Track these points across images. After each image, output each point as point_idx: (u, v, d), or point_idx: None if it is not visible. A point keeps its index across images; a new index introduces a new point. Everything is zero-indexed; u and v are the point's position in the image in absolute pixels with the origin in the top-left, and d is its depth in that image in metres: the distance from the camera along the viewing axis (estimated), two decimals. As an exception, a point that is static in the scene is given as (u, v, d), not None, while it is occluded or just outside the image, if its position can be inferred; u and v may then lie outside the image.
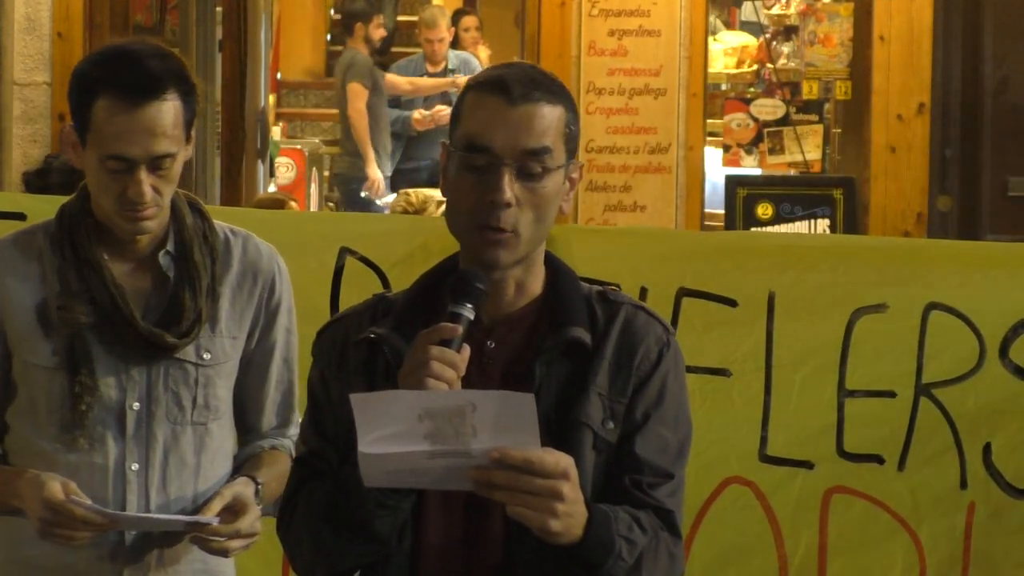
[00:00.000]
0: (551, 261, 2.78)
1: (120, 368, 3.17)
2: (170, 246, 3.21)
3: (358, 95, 10.92)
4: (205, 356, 3.21)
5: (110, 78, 3.09)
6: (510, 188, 2.62)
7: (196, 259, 3.21)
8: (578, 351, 2.70)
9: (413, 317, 2.68)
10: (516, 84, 2.64)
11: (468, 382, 2.61)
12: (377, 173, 10.90)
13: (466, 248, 2.70)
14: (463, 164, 2.66)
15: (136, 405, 3.17)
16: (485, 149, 2.63)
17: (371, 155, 10.94)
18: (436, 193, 6.91)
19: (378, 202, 10.70)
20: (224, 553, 3.14)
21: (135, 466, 3.16)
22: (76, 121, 3.15)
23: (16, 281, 3.20)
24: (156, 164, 3.09)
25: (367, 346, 2.73)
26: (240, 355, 3.28)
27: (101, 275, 3.17)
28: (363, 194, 10.91)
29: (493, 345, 2.70)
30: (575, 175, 2.74)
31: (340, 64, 11.41)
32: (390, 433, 2.44)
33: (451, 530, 2.69)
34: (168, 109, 3.08)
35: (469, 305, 2.60)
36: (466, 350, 2.57)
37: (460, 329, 2.57)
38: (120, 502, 3.14)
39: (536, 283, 2.74)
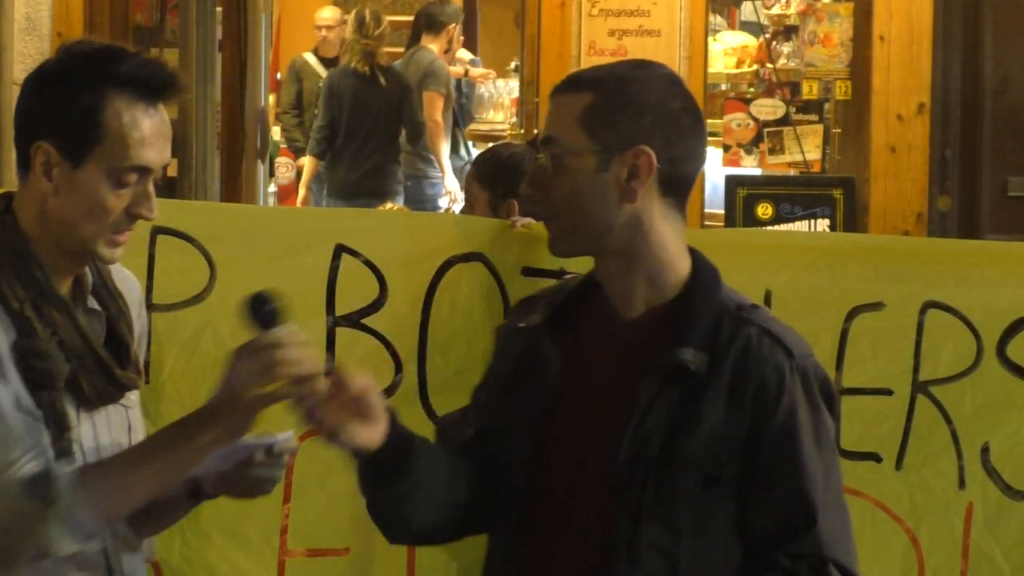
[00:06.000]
0: (696, 262, 2.82)
1: (73, 419, 2.68)
2: (92, 274, 2.79)
3: (437, 105, 10.27)
4: (131, 396, 2.82)
5: (127, 75, 2.63)
6: None
7: (114, 286, 2.81)
8: (688, 374, 2.65)
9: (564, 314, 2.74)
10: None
11: (605, 378, 2.66)
12: (454, 183, 10.22)
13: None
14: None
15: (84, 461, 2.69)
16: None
17: (448, 166, 10.36)
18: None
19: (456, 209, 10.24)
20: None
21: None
22: (59, 135, 2.63)
23: None
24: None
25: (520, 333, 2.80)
26: None
27: (70, 314, 2.69)
28: (442, 204, 10.38)
29: (627, 345, 2.72)
30: None
31: (414, 64, 10.54)
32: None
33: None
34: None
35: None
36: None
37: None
38: (103, 560, 2.73)
39: (667, 284, 2.77)
